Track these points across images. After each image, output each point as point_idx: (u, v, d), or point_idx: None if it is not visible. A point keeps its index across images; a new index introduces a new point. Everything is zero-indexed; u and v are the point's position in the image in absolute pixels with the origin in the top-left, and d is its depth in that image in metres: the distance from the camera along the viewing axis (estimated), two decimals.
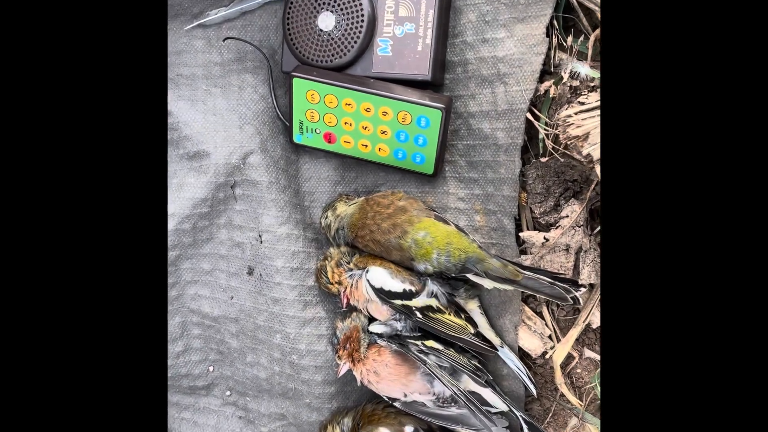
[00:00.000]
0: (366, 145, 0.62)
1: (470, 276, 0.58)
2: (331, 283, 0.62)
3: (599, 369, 0.60)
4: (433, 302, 0.58)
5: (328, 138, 0.63)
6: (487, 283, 0.57)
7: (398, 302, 0.58)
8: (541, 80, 0.57)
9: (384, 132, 0.60)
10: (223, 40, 0.64)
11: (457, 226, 0.59)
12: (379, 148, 0.61)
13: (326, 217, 0.63)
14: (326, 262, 0.63)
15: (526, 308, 0.62)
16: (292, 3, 0.61)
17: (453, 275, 0.58)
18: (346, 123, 0.61)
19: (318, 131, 0.62)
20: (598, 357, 0.60)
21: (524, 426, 0.58)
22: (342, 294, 0.62)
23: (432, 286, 0.59)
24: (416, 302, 0.58)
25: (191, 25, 0.64)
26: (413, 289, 0.58)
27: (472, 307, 0.61)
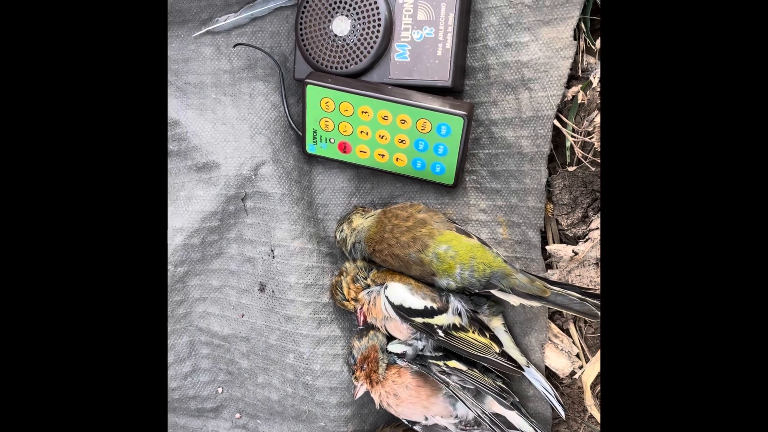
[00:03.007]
0: (383, 155, 0.59)
1: (495, 292, 0.55)
2: (347, 300, 0.59)
3: None
4: (457, 320, 0.55)
5: (343, 148, 0.60)
6: (513, 300, 0.54)
7: (419, 320, 0.55)
8: (568, 85, 0.54)
9: (402, 141, 0.57)
10: (233, 47, 0.62)
11: (480, 240, 0.56)
12: (397, 158, 0.59)
13: (341, 231, 0.60)
14: (342, 277, 0.60)
15: (553, 325, 0.59)
16: (305, 7, 0.58)
17: (476, 291, 0.55)
18: (362, 132, 0.58)
19: (332, 141, 0.60)
20: None
21: None
22: (359, 311, 0.59)
23: (455, 302, 0.56)
24: (438, 320, 0.55)
25: (200, 32, 0.62)
26: (435, 306, 0.55)
27: (496, 324, 0.58)
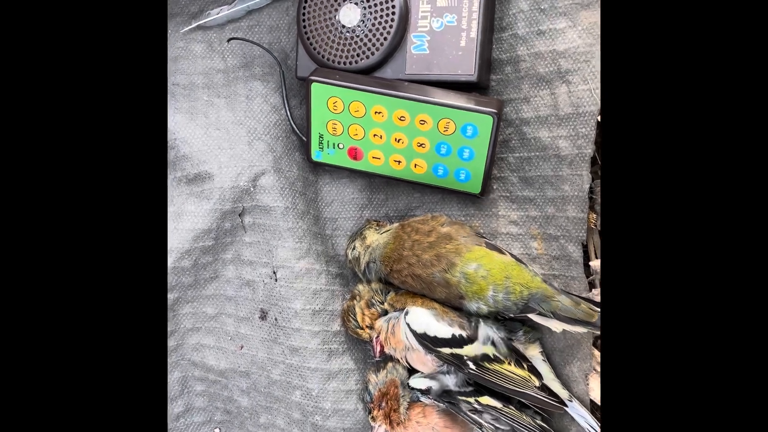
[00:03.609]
0: (399, 162, 0.52)
1: (533, 316, 0.47)
2: (361, 328, 0.52)
3: None
4: (490, 350, 0.48)
5: (354, 154, 0.53)
6: (555, 325, 0.47)
7: (446, 351, 0.48)
8: None
9: (421, 145, 0.50)
10: (228, 41, 0.55)
11: (513, 256, 0.49)
12: (416, 165, 0.51)
13: (354, 248, 0.52)
14: (354, 302, 0.52)
15: (597, 353, 0.51)
16: None
17: (512, 316, 0.48)
18: (375, 135, 0.51)
19: (341, 146, 0.53)
20: None
21: None
22: (375, 341, 0.52)
23: (487, 329, 0.48)
24: (469, 350, 0.47)
25: (189, 27, 0.55)
26: (464, 334, 0.48)
27: (534, 353, 0.51)
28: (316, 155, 0.54)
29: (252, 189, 0.53)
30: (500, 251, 0.49)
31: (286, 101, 0.55)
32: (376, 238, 0.52)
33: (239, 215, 0.53)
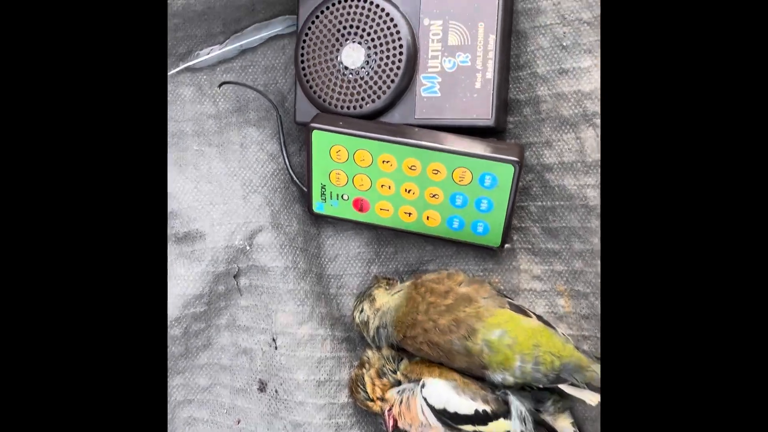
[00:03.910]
0: (410, 213, 0.47)
1: (564, 387, 0.42)
2: (372, 400, 0.47)
3: None
4: (518, 427, 0.42)
5: (360, 206, 0.48)
6: (590, 397, 0.42)
7: (469, 428, 0.43)
8: None
9: (434, 195, 0.46)
10: (219, 86, 0.50)
11: (541, 319, 0.44)
12: (428, 217, 0.47)
13: (361, 311, 0.47)
14: (364, 370, 0.47)
15: None
16: (307, 34, 0.47)
17: (541, 387, 0.43)
18: (383, 186, 0.46)
19: (346, 197, 0.48)
20: None
21: None
22: (387, 414, 0.46)
23: (515, 403, 0.43)
24: (494, 428, 0.42)
25: (177, 69, 0.51)
26: (489, 409, 0.43)
27: (564, 424, 0.46)
28: (318, 207, 0.49)
29: (248, 248, 0.48)
30: (526, 313, 0.44)
31: (284, 148, 0.50)
32: (386, 300, 0.47)
33: (234, 277, 0.48)
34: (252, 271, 0.48)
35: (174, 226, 0.48)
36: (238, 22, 0.50)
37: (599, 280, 0.45)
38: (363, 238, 0.52)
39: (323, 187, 0.48)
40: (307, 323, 0.47)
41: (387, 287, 0.48)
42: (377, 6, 0.46)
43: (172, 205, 0.48)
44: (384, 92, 0.46)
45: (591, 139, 0.44)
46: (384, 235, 0.52)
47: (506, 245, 0.47)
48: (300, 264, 0.48)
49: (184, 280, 0.47)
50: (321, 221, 0.52)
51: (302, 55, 0.48)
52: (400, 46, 0.45)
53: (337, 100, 0.47)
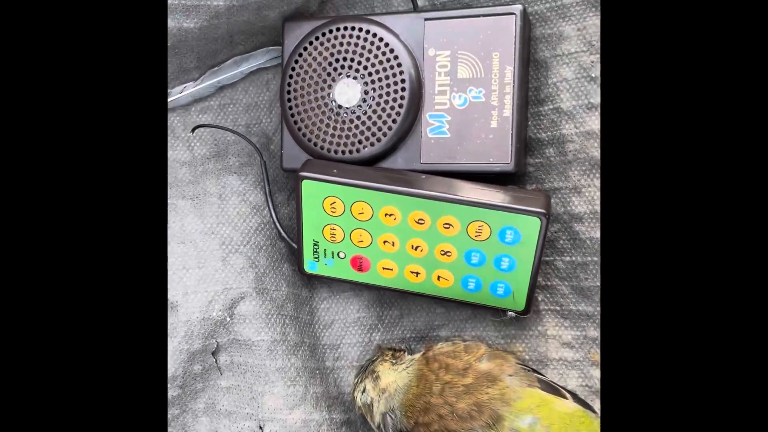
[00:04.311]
0: (417, 273, 0.41)
1: None
2: None
3: None
4: None
5: (359, 265, 0.41)
6: None
7: None
8: None
9: (446, 253, 0.39)
10: (192, 131, 0.44)
11: (577, 398, 0.37)
12: (439, 277, 0.40)
13: (364, 391, 0.40)
14: None
15: None
16: (294, 68, 0.41)
17: None
18: (386, 242, 0.40)
19: (342, 255, 0.41)
20: None
21: None
22: None
23: None
24: None
25: None
26: None
27: None
28: (310, 267, 0.43)
29: (228, 319, 0.41)
30: (560, 393, 0.37)
31: (269, 199, 0.44)
32: (393, 378, 0.40)
33: (213, 354, 0.41)
34: (234, 347, 0.41)
35: None
36: (214, 56, 0.44)
37: None
38: (363, 300, 0.45)
39: (316, 243, 0.42)
40: (300, 407, 0.40)
41: (393, 361, 0.41)
42: (374, 35, 0.40)
43: None
44: (384, 134, 0.40)
45: None
46: (387, 297, 0.45)
47: (531, 309, 0.40)
48: (290, 335, 0.41)
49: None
50: (314, 282, 0.45)
51: (289, 92, 0.41)
52: (402, 80, 0.39)
53: (330, 143, 0.41)
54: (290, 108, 0.41)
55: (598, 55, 0.39)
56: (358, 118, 0.40)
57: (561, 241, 0.41)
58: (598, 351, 0.41)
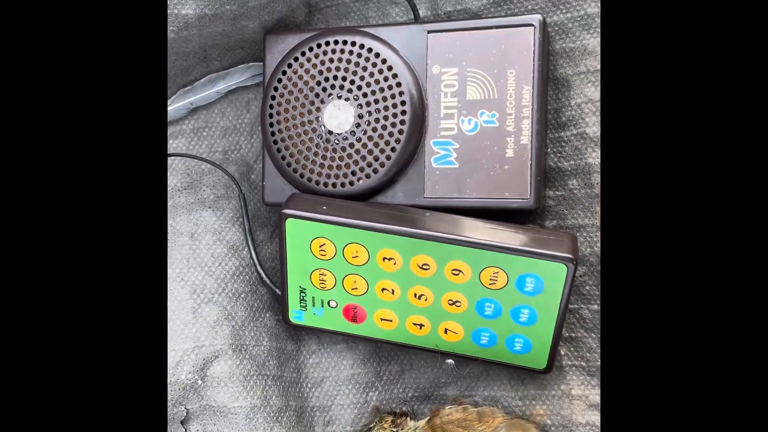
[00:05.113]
0: (421, 326, 0.35)
1: None
2: None
3: None
4: None
5: (353, 315, 0.36)
6: None
7: None
8: None
9: (455, 303, 0.34)
10: None
11: None
12: (446, 330, 0.35)
13: None
14: None
15: None
16: (277, 88, 0.35)
17: None
18: (384, 290, 0.34)
19: (334, 304, 0.36)
20: None
21: None
22: None
23: None
24: None
25: None
26: None
27: None
28: (297, 317, 0.37)
29: (200, 382, 0.35)
30: None
31: (249, 237, 0.38)
32: None
33: (182, 423, 0.35)
34: (206, 415, 0.35)
35: None
36: (186, 73, 0.38)
37: None
38: (358, 354, 0.39)
39: (303, 291, 0.36)
40: None
41: (393, 429, 0.35)
42: (369, 50, 0.34)
43: None
44: (382, 164, 0.34)
45: None
46: (385, 350, 0.39)
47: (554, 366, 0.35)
48: (273, 399, 0.35)
49: None
50: (301, 334, 0.39)
51: (271, 115, 0.36)
52: (402, 102, 0.34)
53: (319, 175, 0.35)
54: (273, 134, 0.36)
55: None
56: (352, 145, 0.34)
57: (587, 287, 0.35)
58: None
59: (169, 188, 0.38)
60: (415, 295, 0.34)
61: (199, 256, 0.37)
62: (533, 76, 0.33)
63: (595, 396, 0.36)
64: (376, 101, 0.34)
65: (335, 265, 0.35)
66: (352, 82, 0.34)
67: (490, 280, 0.33)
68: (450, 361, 0.37)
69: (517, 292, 0.33)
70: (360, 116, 0.34)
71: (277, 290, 0.38)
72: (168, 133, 0.40)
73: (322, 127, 0.35)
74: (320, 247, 0.34)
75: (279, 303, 0.38)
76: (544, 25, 0.33)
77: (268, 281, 0.38)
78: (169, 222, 0.38)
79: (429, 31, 0.35)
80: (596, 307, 0.35)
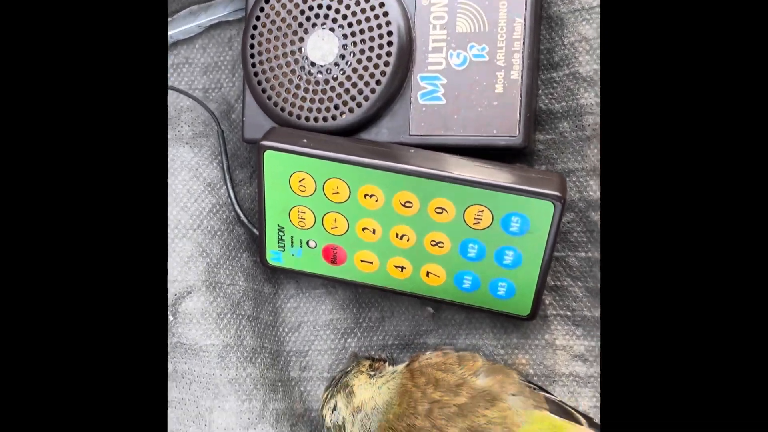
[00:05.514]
0: (403, 268, 0.34)
1: None
2: None
3: None
4: None
5: (332, 256, 0.35)
6: None
7: None
8: None
9: (438, 244, 0.33)
10: None
11: (593, 423, 0.31)
12: (428, 273, 0.34)
13: (334, 409, 0.34)
14: None
15: None
16: (259, 18, 0.34)
17: None
18: (365, 229, 0.33)
19: (313, 245, 0.35)
20: None
21: None
22: None
23: None
24: None
25: None
26: None
27: None
28: (275, 258, 0.36)
29: (171, 318, 0.34)
30: (573, 417, 0.31)
31: (227, 174, 0.37)
32: (370, 394, 0.33)
33: None
34: (177, 352, 0.34)
35: None
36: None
37: None
38: (337, 299, 0.38)
39: (281, 230, 0.35)
40: (257, 426, 0.33)
41: (371, 373, 0.34)
42: None
43: None
44: (366, 98, 0.33)
45: None
46: (366, 295, 0.38)
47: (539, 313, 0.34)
48: (246, 340, 0.34)
49: None
50: (279, 276, 0.38)
51: (252, 46, 0.34)
52: (389, 33, 0.32)
53: (301, 108, 0.34)
54: (253, 66, 0.34)
55: None
56: (335, 78, 0.33)
57: (575, 234, 0.35)
58: None
59: None
60: (397, 235, 0.33)
61: (175, 191, 0.36)
62: (525, 8, 0.32)
63: (580, 346, 0.35)
64: (362, 31, 0.33)
65: (315, 202, 0.34)
66: (337, 11, 0.33)
67: (475, 219, 0.32)
68: (429, 309, 0.36)
69: (501, 233, 0.32)
70: (344, 47, 0.33)
71: (255, 230, 0.36)
72: None
73: (305, 58, 0.34)
74: (300, 182, 0.33)
75: (256, 244, 0.37)
76: None
77: (245, 220, 0.37)
78: None
79: None
80: (584, 254, 0.34)
